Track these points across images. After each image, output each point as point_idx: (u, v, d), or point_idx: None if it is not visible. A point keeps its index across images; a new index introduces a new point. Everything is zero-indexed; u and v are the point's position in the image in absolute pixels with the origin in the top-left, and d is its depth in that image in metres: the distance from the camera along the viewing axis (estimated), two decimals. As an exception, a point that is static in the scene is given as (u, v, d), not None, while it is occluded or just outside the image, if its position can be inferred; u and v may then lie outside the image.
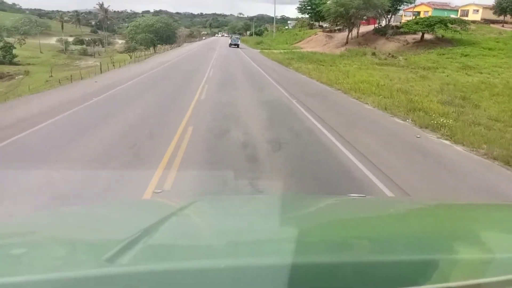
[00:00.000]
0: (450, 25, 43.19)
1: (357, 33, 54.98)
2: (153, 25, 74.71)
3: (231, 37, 70.73)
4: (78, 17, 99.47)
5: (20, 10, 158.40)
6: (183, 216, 1.43)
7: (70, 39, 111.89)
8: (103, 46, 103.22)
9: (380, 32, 52.37)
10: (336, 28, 62.07)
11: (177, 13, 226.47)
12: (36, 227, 1.37)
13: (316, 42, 57.68)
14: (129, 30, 77.37)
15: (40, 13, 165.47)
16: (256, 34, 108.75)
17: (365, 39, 53.61)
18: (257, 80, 20.15)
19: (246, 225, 1.36)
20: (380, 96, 15.00)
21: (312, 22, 73.24)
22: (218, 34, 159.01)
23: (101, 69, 28.02)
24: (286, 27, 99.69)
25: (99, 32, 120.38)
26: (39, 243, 1.15)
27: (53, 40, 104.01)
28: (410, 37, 47.83)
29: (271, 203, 1.88)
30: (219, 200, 2.43)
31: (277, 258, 0.92)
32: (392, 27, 52.61)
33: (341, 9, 49.91)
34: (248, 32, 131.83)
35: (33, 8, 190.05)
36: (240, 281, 0.82)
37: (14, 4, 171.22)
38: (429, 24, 43.66)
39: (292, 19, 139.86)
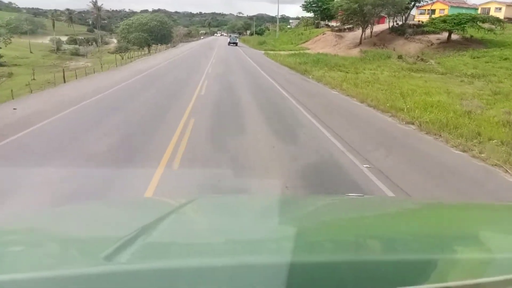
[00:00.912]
0: (481, 24, 36.51)
1: (371, 32, 48.00)
2: (147, 24, 67.46)
3: (230, 36, 71.07)
4: (70, 16, 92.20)
5: (16, 9, 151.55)
6: (181, 215, 1.38)
7: (64, 38, 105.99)
8: (98, 46, 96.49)
9: (398, 32, 45.39)
10: (345, 27, 55.15)
11: (176, 12, 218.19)
12: (35, 225, 1.32)
13: (324, 43, 50.68)
14: (122, 29, 70.12)
15: (38, 12, 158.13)
16: (257, 33, 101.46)
17: (380, 39, 46.68)
18: (274, 103, 12.64)
19: (245, 224, 1.31)
20: (500, 146, 8.15)
21: (318, 21, 66.24)
22: (217, 33, 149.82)
23: (64, 78, 20.99)
24: (288, 26, 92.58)
25: (96, 31, 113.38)
26: (37, 241, 1.11)
27: (47, 40, 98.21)
28: (433, 37, 40.95)
29: (269, 202, 1.80)
30: (218, 198, 2.21)
31: (275, 257, 0.89)
32: (411, 25, 45.65)
33: (354, 5, 42.95)
34: (248, 32, 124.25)
35: (30, 7, 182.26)
36: (238, 279, 0.79)
37: (10, 3, 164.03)
38: (459, 22, 36.74)
39: (292, 18, 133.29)
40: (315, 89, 16.19)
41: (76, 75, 23.04)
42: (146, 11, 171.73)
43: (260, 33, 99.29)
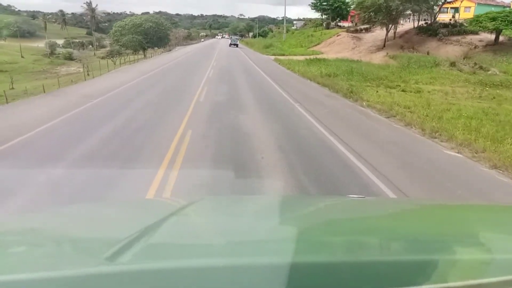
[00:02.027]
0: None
1: (394, 33, 39.99)
2: (141, 25, 59.42)
3: (231, 38, 70.82)
4: (63, 18, 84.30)
5: (14, 12, 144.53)
6: (183, 216, 1.34)
7: (61, 41, 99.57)
8: (94, 49, 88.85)
9: (428, 32, 37.32)
10: (362, 27, 47.12)
11: (177, 14, 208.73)
12: (38, 226, 1.28)
13: (341, 45, 42.61)
14: (114, 32, 62.15)
15: (38, 15, 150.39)
16: (260, 35, 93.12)
17: (406, 41, 38.63)
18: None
19: (246, 224, 1.27)
20: None
21: (328, 21, 58.17)
22: (218, 35, 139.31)
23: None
24: (293, 28, 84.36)
25: (95, 33, 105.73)
26: (41, 241, 1.08)
27: (42, 43, 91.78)
28: (474, 38, 32.99)
29: (271, 203, 1.72)
30: (219, 200, 2.15)
31: (276, 257, 0.86)
32: (445, 25, 37.52)
33: (380, 1, 34.94)
34: (250, 34, 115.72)
35: (31, 10, 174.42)
36: (239, 280, 0.77)
37: (9, 5, 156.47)
38: (516, 19, 28.79)
39: (295, 20, 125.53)
40: (413, 149, 7.49)
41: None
42: (147, 13, 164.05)
43: (263, 35, 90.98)
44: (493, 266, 0.88)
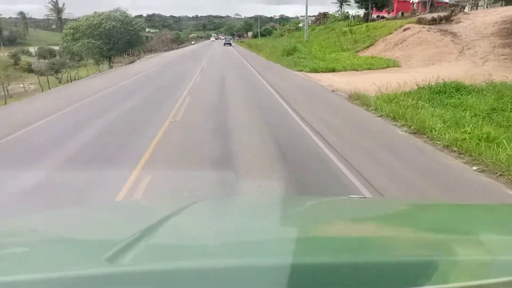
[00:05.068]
0: None
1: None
2: (101, 25, 38.18)
3: (225, 39, 68.35)
4: (25, 21, 62.90)
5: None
6: (183, 217, 1.23)
7: (33, 49, 79.39)
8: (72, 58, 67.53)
9: None
10: (441, 15, 26.48)
11: (172, 16, 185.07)
12: (38, 227, 1.20)
13: (424, 47, 21.79)
14: (64, 36, 41.01)
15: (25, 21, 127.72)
16: (262, 35, 71.86)
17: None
18: None
19: (246, 225, 1.17)
20: None
21: (367, 11, 37.17)
22: (212, 36, 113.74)
23: None
24: (300, 25, 63.20)
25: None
26: (41, 243, 1.01)
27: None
28: None
29: (271, 204, 1.60)
30: (219, 201, 2.02)
31: (277, 258, 0.80)
32: None
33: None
34: (250, 34, 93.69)
35: (14, 17, 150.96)
36: (239, 281, 0.72)
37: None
38: None
39: (292, 18, 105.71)
40: None
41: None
42: (140, 16, 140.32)
43: (266, 34, 69.78)
44: (495, 267, 0.79)
